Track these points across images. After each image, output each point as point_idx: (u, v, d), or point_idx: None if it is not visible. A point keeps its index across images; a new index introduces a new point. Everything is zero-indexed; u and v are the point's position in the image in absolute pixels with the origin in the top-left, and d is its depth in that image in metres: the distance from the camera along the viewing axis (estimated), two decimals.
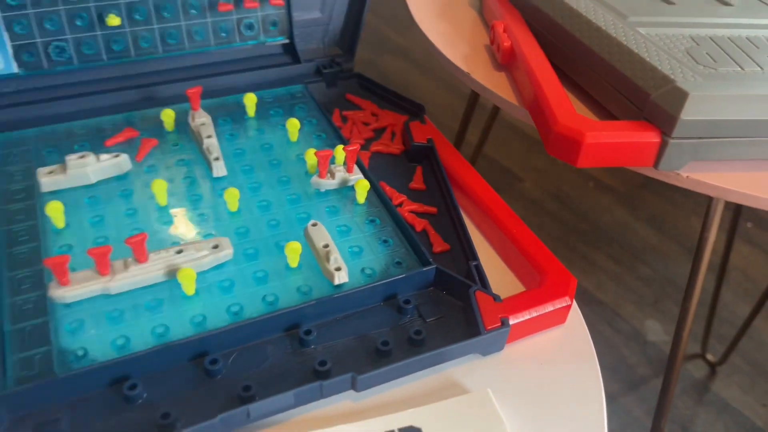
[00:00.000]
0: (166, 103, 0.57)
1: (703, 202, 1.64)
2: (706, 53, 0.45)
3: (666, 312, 1.30)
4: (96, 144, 0.52)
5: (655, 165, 0.42)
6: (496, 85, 0.52)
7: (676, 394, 1.22)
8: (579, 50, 0.48)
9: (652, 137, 0.41)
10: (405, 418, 0.37)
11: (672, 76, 0.42)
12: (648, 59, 0.44)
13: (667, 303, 1.33)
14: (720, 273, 1.20)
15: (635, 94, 0.43)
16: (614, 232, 1.53)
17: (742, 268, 1.41)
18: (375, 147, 0.57)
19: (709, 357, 1.23)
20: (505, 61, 0.53)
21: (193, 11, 0.57)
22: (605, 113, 0.47)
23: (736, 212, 1.16)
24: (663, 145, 0.41)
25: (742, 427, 1.13)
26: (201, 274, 0.43)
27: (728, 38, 0.47)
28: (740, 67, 0.44)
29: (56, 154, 0.51)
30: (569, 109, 0.42)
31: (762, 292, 1.19)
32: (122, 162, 0.49)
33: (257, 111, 0.58)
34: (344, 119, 0.60)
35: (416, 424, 0.37)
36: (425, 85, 1.88)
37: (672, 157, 0.41)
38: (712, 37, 0.47)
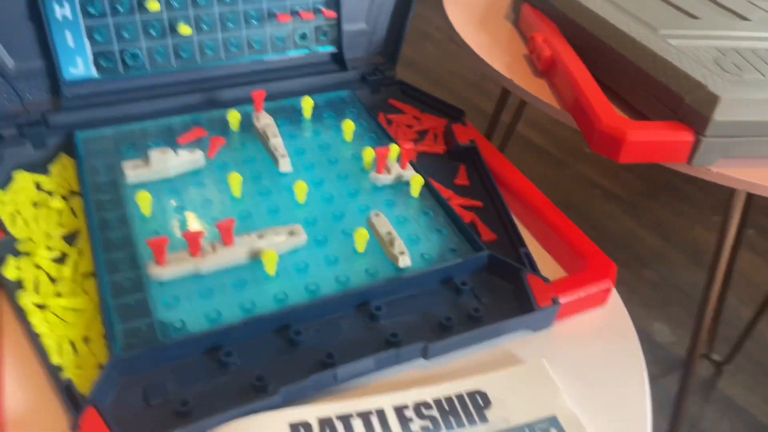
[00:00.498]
0: (227, 105, 0.62)
1: (706, 211, 1.69)
2: (732, 62, 0.50)
3: (672, 315, 1.35)
4: (168, 142, 0.57)
5: (689, 161, 0.47)
6: (537, 90, 0.57)
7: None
8: (615, 59, 0.53)
9: (687, 136, 0.46)
10: (471, 383, 0.41)
11: (704, 82, 0.47)
12: (681, 67, 0.49)
13: (673, 307, 1.38)
14: (725, 278, 1.25)
15: (669, 98, 0.48)
16: (620, 239, 1.58)
17: (745, 274, 1.46)
18: (420, 147, 0.61)
19: (715, 357, 1.28)
20: (545, 68, 0.58)
21: (254, 22, 0.62)
22: (638, 115, 0.53)
23: (741, 221, 1.21)
24: (696, 143, 0.46)
25: (747, 425, 1.18)
26: (279, 257, 0.47)
27: (750, 50, 0.52)
28: (762, 74, 0.49)
29: (133, 150, 0.56)
30: (611, 110, 0.48)
31: (765, 296, 1.24)
32: (197, 158, 0.54)
33: (311, 114, 0.62)
34: (389, 122, 0.65)
35: (482, 389, 0.41)
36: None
37: (704, 154, 0.46)
38: (736, 48, 0.53)
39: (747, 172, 0.48)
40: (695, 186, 1.75)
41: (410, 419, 0.39)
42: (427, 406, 0.40)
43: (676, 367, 1.30)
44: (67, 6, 0.54)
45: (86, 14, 0.56)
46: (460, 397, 0.40)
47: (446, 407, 0.40)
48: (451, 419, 0.39)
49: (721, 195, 1.62)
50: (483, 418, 0.39)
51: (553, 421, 0.40)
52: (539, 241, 0.53)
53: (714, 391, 1.24)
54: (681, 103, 0.47)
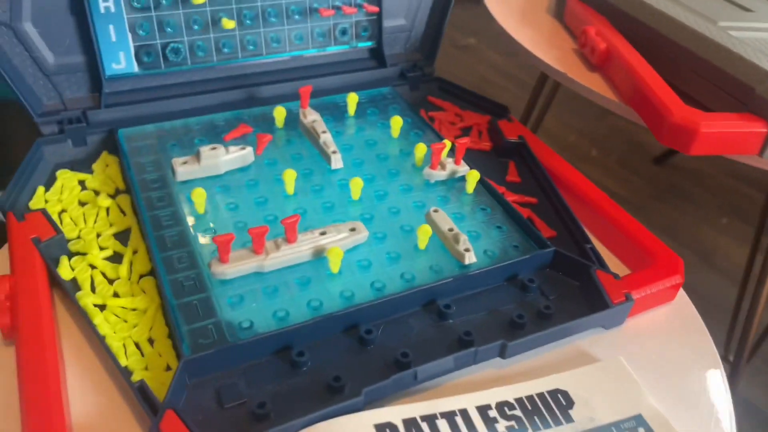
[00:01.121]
0: (268, 102, 0.60)
1: (713, 213, 1.69)
2: None
3: None
4: (212, 138, 0.55)
5: (761, 153, 0.47)
6: (593, 84, 0.56)
7: None
8: (675, 51, 0.52)
9: (760, 127, 0.46)
10: (551, 382, 0.40)
11: None
12: (747, 57, 0.48)
13: None
14: (743, 282, 1.25)
15: (738, 89, 0.48)
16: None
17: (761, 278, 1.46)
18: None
19: (732, 359, 1.27)
20: (600, 62, 0.57)
21: (296, 16, 0.61)
22: (700, 108, 0.52)
23: (759, 229, 1.21)
24: None
25: (766, 426, 1.17)
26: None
27: None
28: None
29: (178, 147, 0.54)
30: (679, 102, 0.47)
31: None
32: (247, 154, 0.52)
33: (355, 110, 0.61)
34: (431, 119, 0.64)
35: (562, 387, 0.40)
36: None
37: None
38: None
39: None
40: (701, 188, 1.75)
41: (495, 419, 0.38)
42: (510, 406, 0.38)
43: None
44: None
45: (130, 7, 0.54)
46: (541, 396, 0.39)
47: (529, 407, 0.38)
48: (536, 419, 0.38)
49: (727, 196, 1.61)
50: (568, 418, 0.38)
51: (639, 419, 0.38)
52: (596, 236, 0.52)
53: (732, 393, 1.24)
54: (752, 93, 0.46)
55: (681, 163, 1.82)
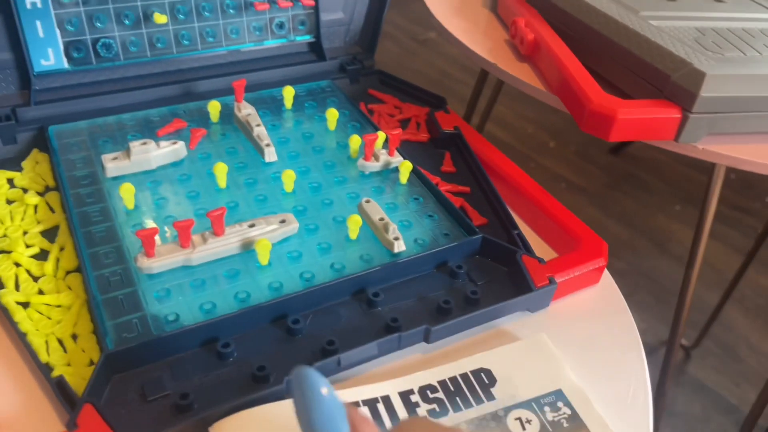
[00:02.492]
0: (204, 96, 0.60)
1: (667, 200, 1.73)
2: (712, 41, 0.51)
3: (641, 302, 1.38)
4: (147, 134, 0.55)
5: (676, 138, 0.48)
6: (522, 74, 0.57)
7: (655, 377, 1.29)
8: (598, 41, 0.54)
9: (674, 113, 0.47)
10: (475, 361, 0.41)
11: (689, 60, 0.48)
12: (665, 46, 0.50)
13: (641, 294, 1.41)
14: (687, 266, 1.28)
15: (655, 77, 0.49)
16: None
17: (707, 259, 1.50)
18: (404, 135, 0.61)
19: (683, 342, 1.31)
20: (529, 52, 0.58)
21: (231, 11, 0.60)
22: (622, 95, 0.53)
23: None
24: (684, 120, 0.47)
25: (718, 405, 1.21)
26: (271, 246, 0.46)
27: (728, 29, 0.54)
28: (742, 52, 0.50)
29: (111, 143, 0.54)
30: (599, 91, 0.48)
31: (728, 281, 1.28)
32: (179, 149, 0.52)
33: (292, 104, 0.61)
34: (371, 112, 0.64)
35: (485, 366, 0.41)
36: None
37: (691, 131, 0.47)
38: (714, 28, 0.54)
39: (730, 148, 0.49)
40: (656, 176, 1.80)
41: (416, 404, 0.38)
42: (433, 389, 0.39)
43: (648, 354, 1.33)
44: None
45: (57, 3, 0.53)
46: (465, 377, 0.40)
47: (452, 388, 0.39)
48: (458, 400, 0.39)
49: (681, 184, 1.66)
50: (490, 396, 0.39)
51: (559, 394, 0.40)
52: (527, 223, 0.53)
53: (684, 375, 1.27)
54: (667, 81, 0.48)
55: (636, 152, 1.86)
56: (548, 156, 1.82)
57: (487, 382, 0.40)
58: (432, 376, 0.40)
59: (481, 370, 0.41)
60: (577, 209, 1.64)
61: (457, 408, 0.38)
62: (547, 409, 0.39)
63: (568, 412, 0.39)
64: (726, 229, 1.60)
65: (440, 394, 0.39)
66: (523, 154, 1.80)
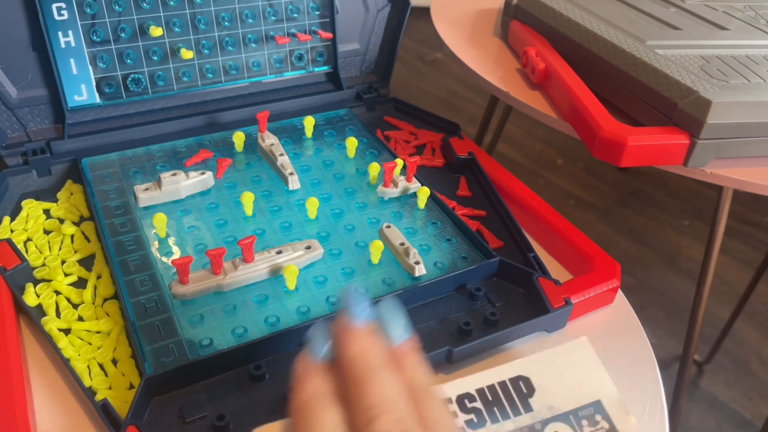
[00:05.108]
0: (228, 127, 0.63)
1: (676, 216, 1.74)
2: (717, 69, 0.54)
3: (652, 317, 1.39)
4: (174, 164, 0.58)
5: (684, 163, 0.50)
6: (534, 101, 0.60)
7: (668, 392, 1.30)
8: (607, 70, 0.56)
9: (682, 139, 0.49)
10: (513, 369, 0.41)
11: (695, 88, 0.50)
12: (671, 74, 0.52)
13: (652, 309, 1.42)
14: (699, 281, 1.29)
15: (663, 104, 0.51)
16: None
17: (719, 274, 1.51)
18: (420, 161, 0.63)
19: (696, 357, 1.32)
20: (540, 81, 0.60)
21: (253, 44, 0.63)
22: (631, 122, 0.55)
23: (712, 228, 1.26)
24: (691, 146, 0.49)
25: (731, 420, 1.21)
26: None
27: (732, 56, 0.56)
28: (746, 79, 0.52)
29: (141, 174, 0.57)
30: (609, 118, 0.50)
31: (739, 295, 1.29)
32: (207, 179, 0.55)
33: (312, 132, 0.64)
34: (387, 138, 0.66)
35: (524, 374, 0.41)
36: None
37: (699, 156, 0.49)
38: (718, 56, 0.56)
39: (738, 172, 0.51)
40: (664, 191, 1.81)
41: (454, 414, 0.39)
42: (471, 397, 0.39)
43: (660, 369, 1.34)
44: (71, 34, 0.55)
45: (90, 41, 0.56)
46: (503, 385, 0.40)
47: (489, 397, 0.39)
48: (495, 410, 0.39)
49: (690, 199, 1.67)
50: (528, 407, 0.39)
51: (598, 405, 0.40)
52: (541, 244, 0.55)
53: (697, 390, 1.28)
54: (675, 108, 0.50)
55: (644, 168, 1.87)
56: (557, 173, 1.84)
57: (525, 391, 0.40)
58: (469, 384, 0.40)
59: (520, 378, 0.41)
60: (586, 225, 1.66)
61: (494, 419, 0.38)
62: (585, 422, 0.39)
63: (606, 426, 0.39)
64: (736, 244, 1.61)
65: (478, 404, 0.39)
66: (532, 171, 1.82)
